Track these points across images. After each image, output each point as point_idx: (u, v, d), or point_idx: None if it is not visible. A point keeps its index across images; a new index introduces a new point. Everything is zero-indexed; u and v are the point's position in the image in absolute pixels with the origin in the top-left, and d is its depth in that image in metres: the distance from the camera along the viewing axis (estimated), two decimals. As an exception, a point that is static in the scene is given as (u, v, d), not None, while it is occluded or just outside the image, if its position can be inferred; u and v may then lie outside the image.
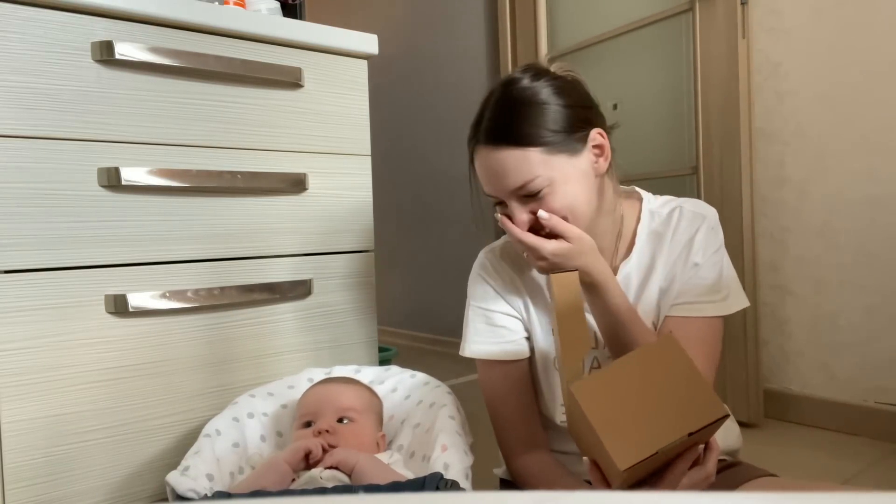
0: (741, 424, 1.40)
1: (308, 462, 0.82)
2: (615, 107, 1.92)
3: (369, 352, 1.30)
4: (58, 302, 0.95)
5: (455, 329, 1.13)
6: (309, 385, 1.03)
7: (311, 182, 1.20)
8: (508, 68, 2.23)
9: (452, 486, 0.75)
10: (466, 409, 0.97)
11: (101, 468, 0.99)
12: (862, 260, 1.47)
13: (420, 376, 1.09)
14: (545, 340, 0.92)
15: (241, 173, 1.11)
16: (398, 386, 1.08)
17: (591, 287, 0.82)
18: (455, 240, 2.58)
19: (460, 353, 0.96)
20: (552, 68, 0.87)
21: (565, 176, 0.81)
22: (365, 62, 1.28)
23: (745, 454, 0.94)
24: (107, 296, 0.99)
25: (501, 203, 0.84)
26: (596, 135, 0.85)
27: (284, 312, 1.18)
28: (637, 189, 0.96)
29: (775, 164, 1.61)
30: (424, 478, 0.74)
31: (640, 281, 0.89)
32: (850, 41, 1.47)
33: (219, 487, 0.82)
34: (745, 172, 1.58)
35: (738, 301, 0.88)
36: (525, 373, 0.94)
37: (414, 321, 2.84)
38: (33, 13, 0.93)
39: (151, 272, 1.04)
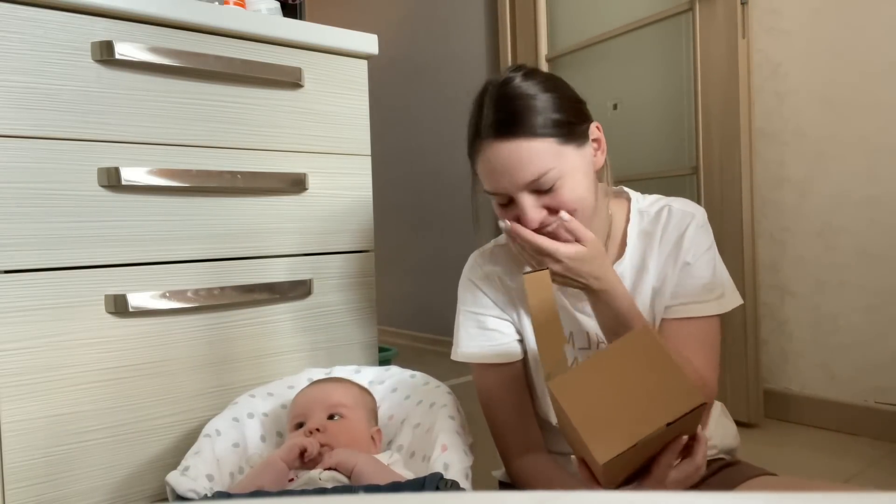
0: (741, 424, 1.40)
1: (303, 460, 0.82)
2: (615, 107, 1.92)
3: (369, 352, 1.30)
4: (58, 302, 0.95)
5: (455, 329, 1.12)
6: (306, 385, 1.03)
7: (311, 182, 1.20)
8: (508, 68, 2.23)
9: (452, 486, 0.75)
10: (466, 409, 0.97)
11: (101, 468, 0.99)
12: (862, 260, 1.47)
13: (420, 376, 1.09)
14: None
15: (241, 173, 1.11)
16: (398, 386, 1.08)
17: (600, 293, 0.81)
18: (455, 240, 2.58)
19: (452, 357, 0.95)
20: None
21: (574, 168, 0.81)
22: (365, 62, 1.28)
23: (745, 454, 0.94)
24: (107, 296, 0.99)
25: (507, 203, 0.83)
26: (594, 128, 0.86)
27: (284, 312, 1.18)
28: (625, 189, 0.96)
29: (775, 164, 1.61)
30: (424, 478, 0.74)
31: (632, 282, 0.89)
32: (850, 41, 1.47)
33: (219, 488, 0.82)
34: (745, 172, 1.58)
35: (733, 299, 0.88)
36: (519, 375, 0.93)
37: (414, 321, 2.84)
38: (33, 13, 0.93)
39: (151, 272, 1.04)
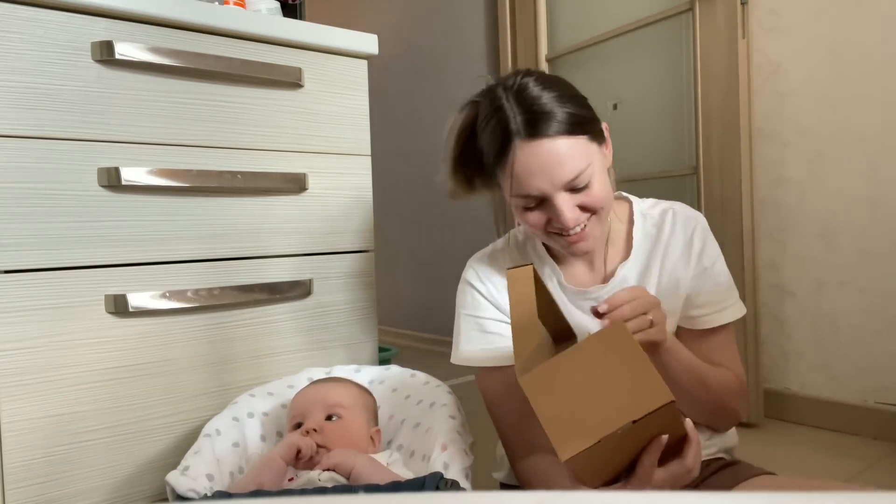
0: (741, 424, 1.39)
1: (299, 460, 0.82)
2: (615, 107, 1.92)
3: (369, 352, 1.30)
4: (58, 302, 0.95)
5: (455, 329, 1.12)
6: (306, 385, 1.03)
7: (311, 182, 1.20)
8: (508, 68, 2.23)
9: (452, 485, 0.75)
10: (466, 409, 0.97)
11: (101, 468, 0.99)
12: (862, 260, 1.47)
13: (420, 376, 1.09)
14: None
15: (241, 173, 1.11)
16: (398, 385, 1.08)
17: (662, 348, 0.77)
18: (455, 239, 2.58)
19: (452, 360, 0.94)
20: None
21: (601, 166, 0.83)
22: (365, 62, 1.28)
23: (745, 454, 0.94)
24: (107, 296, 0.99)
25: (536, 206, 0.82)
26: (605, 128, 0.87)
27: (284, 312, 1.18)
28: (623, 193, 0.97)
29: (775, 164, 1.61)
30: (424, 477, 0.74)
31: (636, 283, 0.89)
32: (850, 41, 1.47)
33: (219, 487, 0.82)
34: (745, 172, 1.58)
35: (740, 301, 0.90)
36: None
37: (414, 321, 2.84)
38: (33, 13, 0.93)
39: (151, 272, 1.04)
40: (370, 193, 1.29)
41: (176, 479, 0.78)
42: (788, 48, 1.57)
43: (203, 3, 1.08)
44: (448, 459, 0.81)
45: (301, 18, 1.50)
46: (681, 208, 0.92)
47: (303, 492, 0.77)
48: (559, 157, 0.78)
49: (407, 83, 2.80)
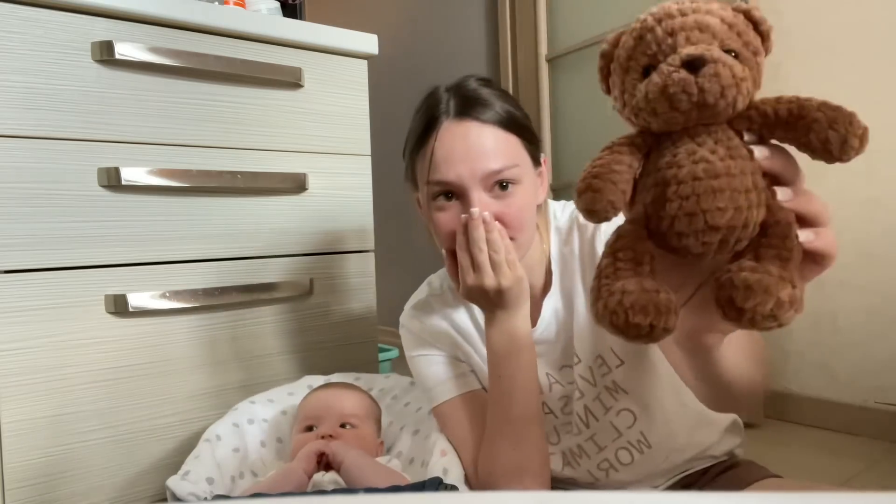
0: (741, 424, 1.39)
1: (319, 465, 0.81)
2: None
3: (369, 352, 1.30)
4: (58, 302, 0.95)
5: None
6: (309, 391, 1.03)
7: (311, 182, 1.20)
8: (508, 68, 2.23)
9: (451, 490, 0.75)
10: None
11: (101, 468, 0.99)
12: (862, 260, 1.47)
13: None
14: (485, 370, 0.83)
15: (241, 173, 1.11)
16: (398, 393, 1.08)
17: (501, 321, 0.74)
18: (455, 240, 2.57)
19: (433, 406, 0.87)
20: None
21: (530, 181, 0.76)
22: (365, 62, 1.28)
23: (745, 454, 0.93)
24: (107, 296, 0.99)
25: (451, 199, 0.74)
26: (543, 159, 0.81)
27: (284, 312, 1.18)
28: (548, 200, 0.87)
29: (775, 164, 1.61)
30: (424, 482, 0.74)
31: (565, 314, 0.82)
32: (850, 41, 1.47)
33: (219, 491, 0.82)
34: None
35: None
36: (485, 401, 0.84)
37: (414, 321, 2.83)
38: (33, 13, 0.93)
39: (151, 272, 1.04)
40: (370, 193, 1.29)
41: (176, 483, 0.78)
42: (788, 48, 1.57)
43: (203, 3, 1.08)
44: (447, 465, 0.81)
45: (301, 18, 1.50)
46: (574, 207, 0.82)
47: (302, 492, 0.77)
48: (485, 143, 0.72)
49: (407, 83, 2.80)
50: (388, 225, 2.86)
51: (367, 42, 1.26)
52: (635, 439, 0.82)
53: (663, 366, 0.78)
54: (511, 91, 2.15)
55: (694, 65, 0.40)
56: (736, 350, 0.56)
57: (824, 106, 0.41)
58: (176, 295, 1.04)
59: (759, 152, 0.44)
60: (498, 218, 0.73)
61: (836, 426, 1.51)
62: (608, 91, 0.50)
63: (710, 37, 0.43)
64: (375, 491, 0.73)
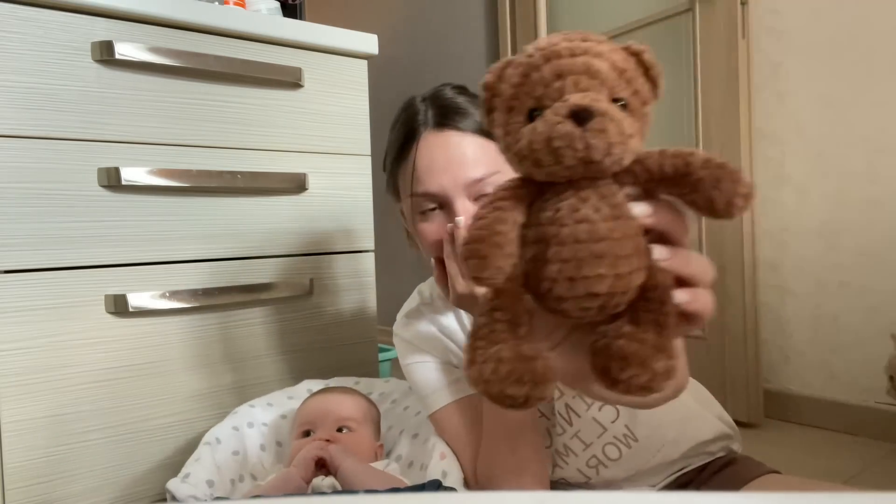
0: (741, 424, 1.39)
1: (318, 469, 0.81)
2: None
3: (369, 352, 1.30)
4: (58, 302, 0.95)
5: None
6: (308, 396, 1.03)
7: (311, 182, 1.20)
8: (508, 68, 2.23)
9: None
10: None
11: (101, 468, 0.99)
12: (862, 260, 1.47)
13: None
14: None
15: (241, 173, 1.11)
16: (397, 397, 1.08)
17: None
18: (455, 240, 2.57)
19: (429, 413, 0.87)
20: None
21: None
22: (365, 62, 1.28)
23: (744, 454, 0.93)
24: (107, 296, 0.99)
25: (433, 210, 0.75)
26: None
27: (284, 312, 1.18)
28: None
29: (775, 164, 1.61)
30: (423, 485, 0.74)
31: None
32: (850, 41, 1.47)
33: (219, 493, 0.82)
34: (745, 172, 1.57)
35: None
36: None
37: (414, 321, 2.83)
38: (33, 13, 0.93)
39: (151, 272, 1.04)
40: (370, 193, 1.29)
41: (176, 486, 0.78)
42: (788, 48, 1.57)
43: (203, 3, 1.08)
44: (446, 468, 0.81)
45: (301, 18, 1.50)
46: None
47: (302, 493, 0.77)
48: (466, 152, 0.73)
49: (407, 83, 2.80)
50: (388, 225, 2.85)
51: (367, 42, 1.26)
52: (621, 433, 0.82)
53: None
54: (511, 91, 2.15)
55: (581, 116, 0.38)
56: None
57: (709, 163, 0.40)
58: (176, 295, 1.04)
59: (643, 209, 0.42)
60: None
61: (836, 426, 1.51)
62: (491, 126, 0.46)
63: (598, 84, 0.40)
64: (375, 492, 0.73)
